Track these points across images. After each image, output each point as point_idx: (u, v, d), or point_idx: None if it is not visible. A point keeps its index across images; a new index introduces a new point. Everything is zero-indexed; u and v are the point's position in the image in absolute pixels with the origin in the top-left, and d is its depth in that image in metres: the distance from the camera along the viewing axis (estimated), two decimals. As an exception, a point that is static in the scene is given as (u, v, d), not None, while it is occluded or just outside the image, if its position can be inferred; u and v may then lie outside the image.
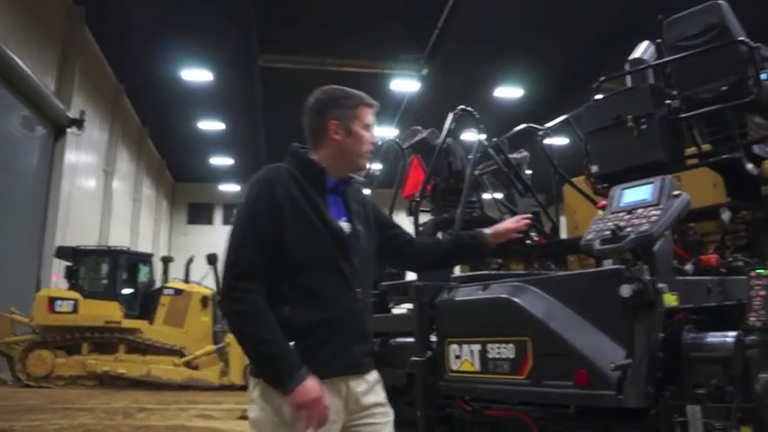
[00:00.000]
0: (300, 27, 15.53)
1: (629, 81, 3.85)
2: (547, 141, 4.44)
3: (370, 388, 2.21)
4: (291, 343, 2.00)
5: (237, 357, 12.88)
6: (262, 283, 2.02)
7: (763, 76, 3.21)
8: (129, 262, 15.33)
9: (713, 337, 2.33)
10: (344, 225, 2.20)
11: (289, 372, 1.96)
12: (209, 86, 19.19)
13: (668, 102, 3.45)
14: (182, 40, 16.50)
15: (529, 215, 2.69)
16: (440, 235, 4.03)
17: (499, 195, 4.72)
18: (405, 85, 17.97)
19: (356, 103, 2.30)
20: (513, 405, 2.74)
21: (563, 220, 4.63)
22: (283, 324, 2.01)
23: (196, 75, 18.47)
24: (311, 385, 1.96)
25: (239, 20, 14.80)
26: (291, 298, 2.06)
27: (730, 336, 2.26)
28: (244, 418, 4.90)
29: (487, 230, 2.58)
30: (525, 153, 4.76)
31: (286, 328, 2.01)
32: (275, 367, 2.00)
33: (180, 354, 13.70)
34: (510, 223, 2.62)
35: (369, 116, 2.31)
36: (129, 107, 22.35)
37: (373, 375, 2.25)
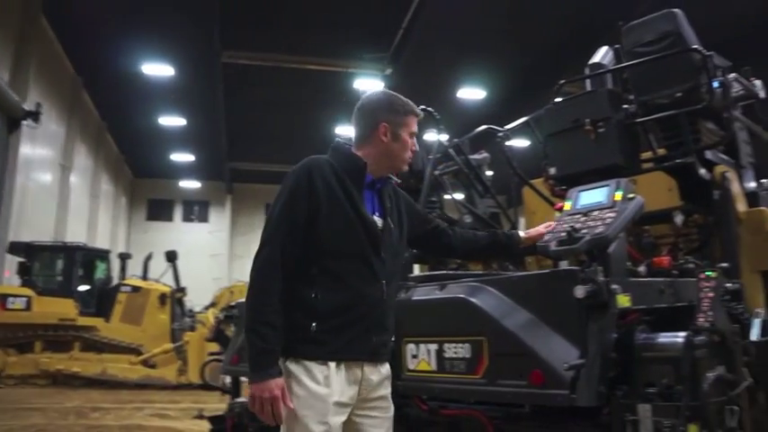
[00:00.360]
0: (264, 23, 15.39)
1: (588, 85, 3.91)
2: (509, 143, 4.47)
3: (382, 380, 2.31)
4: (314, 324, 2.14)
5: (195, 356, 12.75)
6: (286, 266, 2.15)
7: (714, 84, 3.28)
8: (85, 258, 15.06)
9: (664, 338, 2.38)
10: (377, 220, 2.32)
11: (261, 365, 2.08)
12: (171, 81, 18.88)
13: (625, 106, 3.51)
14: (143, 34, 16.20)
15: (553, 223, 2.72)
16: None
17: (459, 196, 4.74)
18: (368, 84, 17.90)
19: (407, 110, 2.42)
20: (470, 404, 2.77)
21: (523, 222, 4.68)
22: (309, 306, 2.16)
23: (157, 69, 18.14)
24: (272, 386, 2.05)
25: (202, 15, 14.59)
26: (319, 281, 2.18)
27: (680, 336, 2.31)
28: (200, 417, 4.83)
29: (522, 233, 2.68)
30: (486, 154, 4.79)
31: (311, 310, 2.16)
32: (253, 356, 2.10)
33: (137, 352, 13.52)
34: (542, 228, 2.69)
35: (415, 125, 2.45)
36: (88, 101, 21.88)
37: (386, 368, 2.35)
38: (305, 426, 2.09)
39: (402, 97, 2.46)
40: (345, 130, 20.07)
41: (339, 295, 2.18)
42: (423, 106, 4.13)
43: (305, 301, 2.16)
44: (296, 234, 2.17)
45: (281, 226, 2.18)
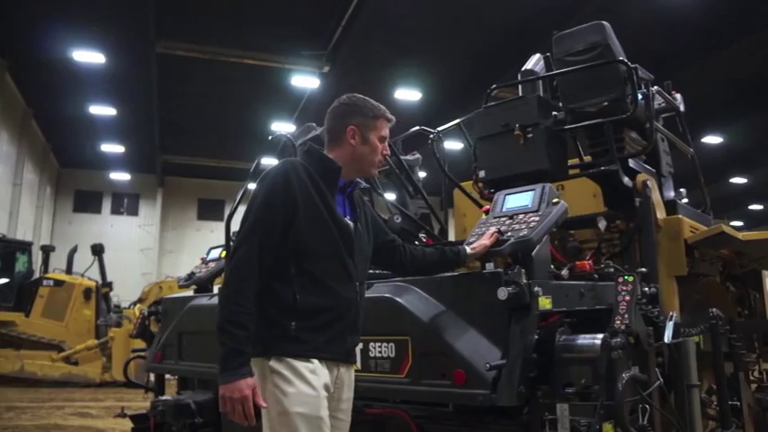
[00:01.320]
0: (201, 14, 15.05)
1: (520, 91, 3.98)
2: (441, 145, 4.50)
3: (350, 383, 2.35)
4: (293, 323, 2.14)
5: (120, 353, 12.40)
6: (264, 266, 2.15)
7: (638, 96, 3.40)
8: (4, 250, 14.51)
9: (583, 339, 2.45)
10: (350, 223, 2.34)
11: (230, 365, 2.05)
12: (102, 69, 18.23)
13: (554, 113, 3.59)
14: (73, 19, 15.60)
15: (498, 228, 2.71)
16: None
17: (391, 196, 4.76)
18: (305, 81, 17.78)
19: (377, 114, 2.43)
20: (394, 403, 2.78)
21: (453, 224, 4.73)
22: (288, 306, 2.16)
23: (88, 56, 17.49)
24: (242, 386, 2.03)
25: (136, 2, 14.19)
26: (297, 282, 2.18)
27: (598, 338, 2.38)
28: (122, 415, 4.69)
29: (468, 248, 2.66)
30: (418, 155, 4.82)
31: (291, 310, 2.16)
32: (223, 356, 2.07)
33: (59, 348, 13.06)
34: (486, 240, 2.67)
35: (386, 129, 2.46)
36: (12, 85, 20.93)
37: (353, 372, 2.38)
38: (301, 422, 2.08)
39: (374, 101, 2.46)
40: (281, 127, 19.86)
41: (318, 296, 2.19)
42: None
43: (284, 302, 2.16)
44: (273, 234, 2.17)
45: (258, 226, 2.17)
